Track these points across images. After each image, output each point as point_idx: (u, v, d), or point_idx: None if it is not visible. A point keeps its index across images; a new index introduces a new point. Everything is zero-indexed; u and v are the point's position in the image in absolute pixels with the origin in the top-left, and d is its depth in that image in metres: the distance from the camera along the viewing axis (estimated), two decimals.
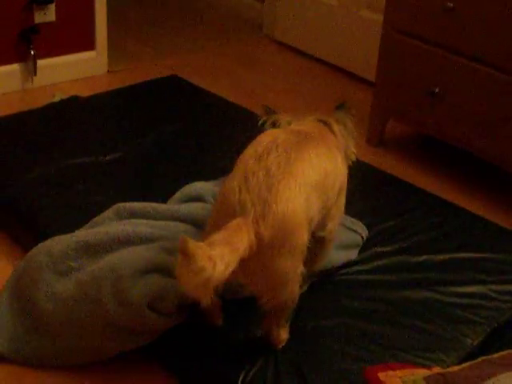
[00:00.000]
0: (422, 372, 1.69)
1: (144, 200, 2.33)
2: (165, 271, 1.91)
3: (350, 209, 2.18)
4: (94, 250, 2.04)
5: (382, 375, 1.67)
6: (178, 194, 2.36)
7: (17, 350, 1.99)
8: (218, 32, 4.60)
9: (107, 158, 2.70)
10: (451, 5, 2.85)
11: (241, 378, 1.82)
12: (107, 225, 2.18)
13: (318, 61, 4.19)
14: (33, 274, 2.03)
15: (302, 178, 1.71)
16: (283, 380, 1.81)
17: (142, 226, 2.14)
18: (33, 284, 2.02)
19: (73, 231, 2.18)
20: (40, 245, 2.12)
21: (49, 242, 2.10)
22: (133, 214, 2.23)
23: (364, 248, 2.30)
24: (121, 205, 2.27)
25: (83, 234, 2.12)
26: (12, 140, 2.81)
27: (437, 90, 2.97)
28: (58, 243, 2.08)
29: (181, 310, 1.91)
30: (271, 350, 1.89)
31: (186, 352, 1.92)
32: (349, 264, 2.24)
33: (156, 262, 1.94)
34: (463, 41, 2.87)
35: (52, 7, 3.51)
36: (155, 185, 2.55)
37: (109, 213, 2.25)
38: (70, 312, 1.94)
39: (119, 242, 2.06)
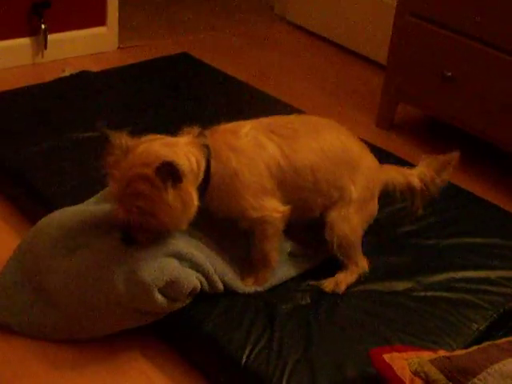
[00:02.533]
0: (428, 354, 1.69)
1: None
2: (181, 258, 1.90)
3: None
4: (103, 228, 2.00)
5: (387, 357, 1.67)
6: None
7: (22, 321, 1.98)
8: (229, 11, 4.57)
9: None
10: None
11: (244, 358, 1.81)
12: None
13: (329, 42, 4.17)
14: (42, 247, 2.02)
15: None
16: (287, 359, 1.80)
17: None
18: (42, 257, 2.01)
19: (79, 203, 2.17)
20: (50, 215, 2.10)
21: (58, 214, 2.08)
22: None
23: (372, 231, 2.29)
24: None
25: (98, 209, 2.08)
26: (21, 113, 2.81)
27: (449, 74, 2.95)
28: (69, 216, 2.06)
29: (189, 295, 1.92)
30: (275, 329, 1.89)
31: (188, 331, 1.92)
32: None
33: (173, 248, 1.91)
34: (477, 25, 2.85)
35: None
36: None
37: None
38: (79, 289, 1.92)
39: None
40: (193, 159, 1.80)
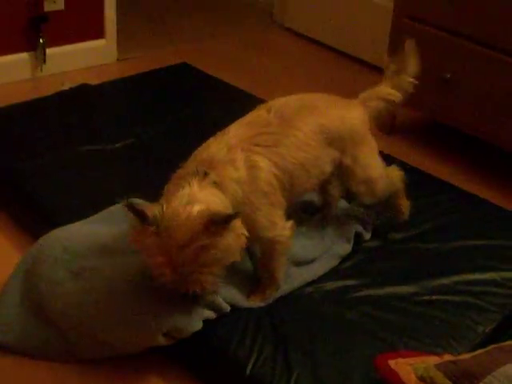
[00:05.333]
0: (433, 359, 1.68)
1: (153, 187, 2.32)
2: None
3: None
4: (109, 252, 2.01)
5: (392, 363, 1.66)
6: None
7: (25, 341, 1.97)
8: (228, 19, 4.58)
9: (117, 145, 2.70)
10: None
11: (250, 366, 1.80)
12: (126, 226, 2.15)
13: (329, 48, 4.17)
14: (45, 268, 2.01)
15: None
16: (294, 369, 1.79)
17: None
18: (45, 279, 2.00)
19: (81, 218, 2.18)
20: (53, 235, 2.09)
21: (62, 234, 2.08)
22: None
23: (376, 234, 2.30)
24: (139, 201, 2.25)
25: (102, 233, 2.08)
26: (22, 127, 2.81)
27: (449, 76, 2.94)
28: (74, 238, 2.05)
29: None
30: (279, 337, 1.88)
31: (193, 340, 1.90)
32: (360, 251, 2.23)
33: None
34: (475, 26, 2.84)
35: None
36: (166, 172, 2.53)
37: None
38: (81, 316, 1.92)
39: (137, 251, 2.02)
40: (217, 198, 1.77)
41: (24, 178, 2.47)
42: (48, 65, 3.54)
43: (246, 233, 1.76)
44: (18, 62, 3.50)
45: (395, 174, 2.25)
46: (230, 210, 1.76)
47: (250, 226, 1.83)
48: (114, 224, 2.13)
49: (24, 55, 3.51)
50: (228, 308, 1.93)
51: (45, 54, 3.49)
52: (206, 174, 1.79)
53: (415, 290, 2.07)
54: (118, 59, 3.85)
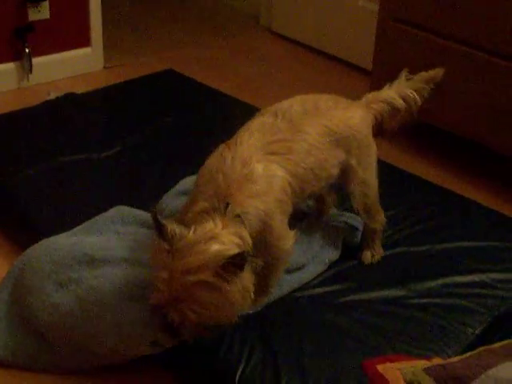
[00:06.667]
0: (422, 363, 1.67)
1: (141, 196, 2.32)
2: None
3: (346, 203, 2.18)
4: (97, 263, 2.00)
5: (380, 367, 1.66)
6: (175, 189, 2.35)
7: (13, 353, 1.97)
8: (214, 24, 4.57)
9: (103, 154, 2.69)
10: None
11: (238, 373, 1.79)
12: (112, 235, 2.15)
13: (316, 51, 4.17)
14: (33, 280, 2.01)
15: None
16: (282, 375, 1.79)
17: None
18: (32, 291, 1.99)
19: (68, 228, 2.17)
20: (39, 246, 2.09)
21: (50, 246, 2.07)
22: (136, 219, 2.21)
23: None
24: (125, 208, 2.25)
25: (88, 243, 2.08)
26: (8, 138, 2.80)
27: None
28: (61, 249, 2.05)
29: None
30: (269, 343, 1.87)
31: (181, 349, 1.89)
32: (350, 254, 2.23)
33: None
34: (460, 27, 2.84)
35: (46, 4, 3.49)
36: (152, 180, 2.53)
37: (113, 217, 2.22)
38: (68, 327, 1.91)
39: (125, 262, 2.01)
40: (238, 239, 1.72)
41: (9, 188, 2.46)
42: (34, 74, 3.52)
43: (253, 295, 1.72)
44: (4, 72, 3.48)
45: (382, 217, 2.23)
46: (248, 250, 1.71)
47: (267, 234, 1.83)
48: (99, 233, 2.13)
49: (10, 65, 3.50)
50: None
51: (31, 63, 3.48)
52: (227, 206, 1.75)
53: (403, 293, 2.07)
54: (104, 67, 3.84)
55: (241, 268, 1.64)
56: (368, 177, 2.13)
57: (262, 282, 1.95)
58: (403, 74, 2.24)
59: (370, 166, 2.13)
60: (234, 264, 1.62)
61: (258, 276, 1.93)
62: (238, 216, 1.75)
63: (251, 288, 1.71)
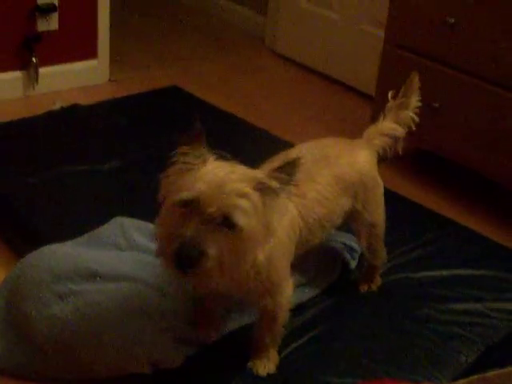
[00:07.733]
0: None
1: (142, 209, 2.33)
2: (176, 328, 1.90)
3: (346, 224, 2.17)
4: (99, 278, 2.01)
5: None
6: None
7: (8, 360, 1.96)
8: (220, 44, 4.61)
9: (106, 166, 2.70)
10: (452, 20, 2.86)
11: None
12: (115, 249, 2.16)
13: (319, 74, 4.20)
14: (30, 289, 2.00)
15: None
16: None
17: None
18: (29, 300, 1.98)
19: (68, 238, 2.18)
20: (38, 254, 2.08)
21: (49, 255, 2.07)
22: (137, 230, 2.23)
23: (361, 263, 2.30)
24: (125, 220, 2.26)
25: (91, 256, 2.07)
26: (12, 145, 2.82)
27: (437, 105, 2.97)
28: (61, 260, 2.04)
29: None
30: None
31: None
32: (346, 279, 2.24)
33: (166, 323, 1.90)
34: (464, 56, 2.88)
35: (55, 16, 3.52)
36: (153, 194, 2.53)
37: (114, 229, 2.23)
38: (66, 339, 1.91)
39: (128, 279, 2.01)
40: None
41: (12, 197, 2.47)
42: (40, 84, 3.55)
43: (272, 240, 1.63)
44: (11, 80, 3.51)
45: (384, 254, 2.23)
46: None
47: (271, 277, 1.76)
48: (101, 247, 2.14)
49: (17, 74, 3.52)
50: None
51: (37, 73, 3.51)
52: None
53: (398, 318, 2.08)
54: (109, 80, 3.86)
55: (293, 175, 1.58)
56: (374, 219, 2.10)
57: (270, 335, 1.88)
58: (389, 96, 2.21)
59: (377, 207, 2.11)
60: (288, 169, 1.57)
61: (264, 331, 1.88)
62: None
63: (274, 229, 1.62)
